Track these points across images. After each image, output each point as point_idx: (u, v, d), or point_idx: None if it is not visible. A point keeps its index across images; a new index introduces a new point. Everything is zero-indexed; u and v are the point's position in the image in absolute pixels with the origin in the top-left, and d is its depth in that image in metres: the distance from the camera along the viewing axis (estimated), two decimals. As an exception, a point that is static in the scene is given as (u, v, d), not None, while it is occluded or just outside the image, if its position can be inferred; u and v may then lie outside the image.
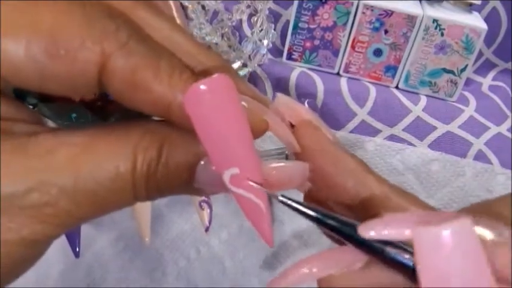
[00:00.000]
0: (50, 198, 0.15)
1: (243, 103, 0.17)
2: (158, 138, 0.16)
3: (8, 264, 0.16)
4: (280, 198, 0.17)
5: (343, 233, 0.16)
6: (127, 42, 0.15)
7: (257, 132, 0.17)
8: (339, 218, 0.16)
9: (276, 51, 0.46)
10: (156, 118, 0.18)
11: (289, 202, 0.17)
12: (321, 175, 0.19)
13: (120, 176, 0.16)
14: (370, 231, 0.15)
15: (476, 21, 0.41)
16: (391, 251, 0.15)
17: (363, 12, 0.41)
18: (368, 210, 0.19)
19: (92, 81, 0.16)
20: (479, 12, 0.44)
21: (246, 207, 0.17)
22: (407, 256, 0.15)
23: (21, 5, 0.15)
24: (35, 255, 0.17)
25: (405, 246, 0.16)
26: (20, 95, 0.18)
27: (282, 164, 0.18)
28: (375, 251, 0.16)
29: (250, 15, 0.43)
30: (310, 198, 0.21)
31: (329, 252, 0.17)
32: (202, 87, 0.15)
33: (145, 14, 0.18)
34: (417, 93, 0.44)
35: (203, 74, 0.16)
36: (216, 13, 0.43)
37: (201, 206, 0.39)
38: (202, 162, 0.17)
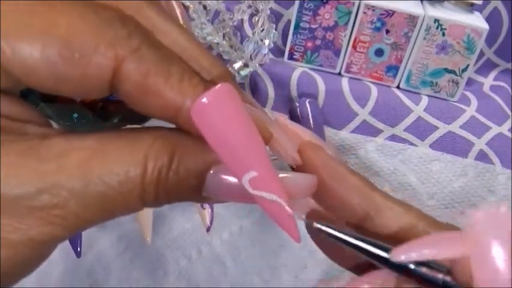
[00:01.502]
0: (60, 200, 0.16)
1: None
2: (170, 144, 0.17)
3: (15, 265, 0.16)
4: (316, 225, 0.17)
5: (376, 256, 0.17)
6: (139, 47, 0.16)
7: (263, 140, 0.18)
8: (372, 241, 0.17)
9: (277, 51, 0.46)
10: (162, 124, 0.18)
11: (324, 228, 0.17)
12: (326, 194, 0.19)
13: (130, 181, 0.16)
14: (401, 255, 0.17)
15: (477, 21, 0.41)
16: (422, 270, 0.17)
17: (364, 12, 0.41)
18: (376, 227, 0.19)
19: (104, 85, 0.16)
20: (481, 12, 0.44)
21: (269, 209, 0.17)
22: (439, 275, 0.17)
23: (37, 9, 0.15)
24: (40, 257, 0.17)
25: (435, 265, 0.17)
26: (22, 94, 0.18)
27: (290, 175, 0.18)
28: (408, 271, 0.17)
29: (252, 15, 0.43)
30: (315, 218, 0.21)
31: (362, 278, 0.18)
32: (205, 99, 0.15)
33: (155, 18, 0.18)
34: (418, 93, 0.44)
35: (209, 83, 0.16)
36: (217, 13, 0.43)
37: (202, 206, 0.39)
38: (211, 171, 0.17)
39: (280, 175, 0.18)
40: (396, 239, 0.18)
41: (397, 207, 0.19)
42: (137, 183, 0.16)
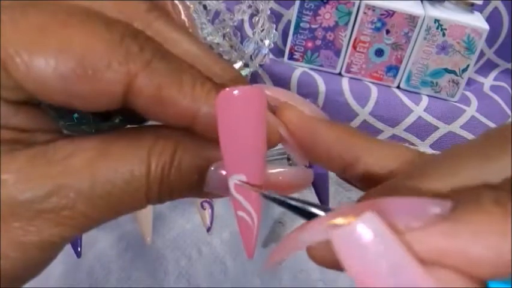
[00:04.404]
0: (68, 201, 0.16)
1: None
2: (171, 143, 0.17)
3: (25, 267, 0.17)
4: (263, 192, 0.17)
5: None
6: (151, 60, 0.16)
7: (271, 142, 0.18)
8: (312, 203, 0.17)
9: (277, 51, 0.46)
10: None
11: (270, 195, 0.17)
12: (307, 151, 0.20)
13: (135, 179, 0.17)
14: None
15: (477, 22, 0.41)
16: None
17: (365, 12, 0.41)
18: (360, 174, 0.19)
19: (117, 99, 0.16)
20: (481, 12, 0.44)
21: (239, 216, 0.18)
22: None
23: (51, 26, 0.16)
24: (48, 258, 0.18)
25: None
26: None
27: (287, 169, 0.19)
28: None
29: (252, 16, 0.43)
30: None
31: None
32: (237, 92, 0.16)
33: (164, 30, 0.18)
34: (419, 93, 0.44)
35: (221, 86, 0.17)
36: (217, 13, 0.43)
37: (202, 206, 0.39)
38: (212, 168, 0.18)
39: (278, 170, 0.19)
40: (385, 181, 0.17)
41: (378, 151, 0.18)
42: (142, 181, 0.17)
